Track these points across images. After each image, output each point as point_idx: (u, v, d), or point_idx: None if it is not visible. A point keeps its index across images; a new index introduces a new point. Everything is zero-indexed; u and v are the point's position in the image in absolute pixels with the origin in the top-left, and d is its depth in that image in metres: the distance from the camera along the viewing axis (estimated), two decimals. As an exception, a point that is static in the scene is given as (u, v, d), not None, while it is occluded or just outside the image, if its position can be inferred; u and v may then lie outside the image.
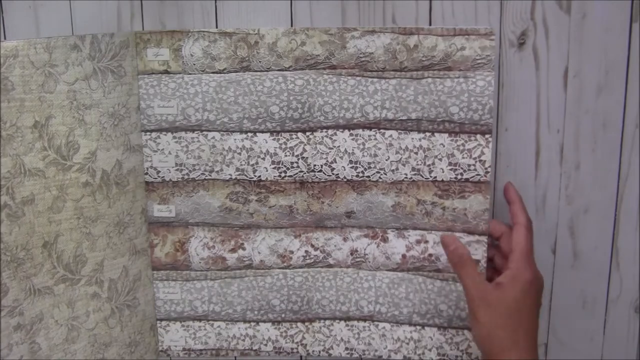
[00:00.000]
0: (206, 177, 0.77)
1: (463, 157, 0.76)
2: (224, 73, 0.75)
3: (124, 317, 0.79)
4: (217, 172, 0.77)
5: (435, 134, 0.76)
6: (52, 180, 0.72)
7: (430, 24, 0.76)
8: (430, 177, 0.77)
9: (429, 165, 0.77)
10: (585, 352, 0.82)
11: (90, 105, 0.74)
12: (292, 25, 0.77)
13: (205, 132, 0.76)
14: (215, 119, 0.75)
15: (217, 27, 0.78)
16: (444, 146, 0.76)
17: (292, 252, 0.80)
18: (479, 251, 0.77)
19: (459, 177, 0.77)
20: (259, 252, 0.79)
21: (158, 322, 0.83)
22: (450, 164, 0.77)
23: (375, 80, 0.75)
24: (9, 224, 0.70)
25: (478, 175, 0.76)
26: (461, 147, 0.76)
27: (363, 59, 0.74)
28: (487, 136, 0.75)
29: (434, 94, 0.75)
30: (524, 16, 0.77)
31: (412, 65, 0.74)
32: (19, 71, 0.69)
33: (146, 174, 0.78)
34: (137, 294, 0.79)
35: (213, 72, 0.75)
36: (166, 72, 0.75)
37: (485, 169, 0.76)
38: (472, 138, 0.76)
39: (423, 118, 0.76)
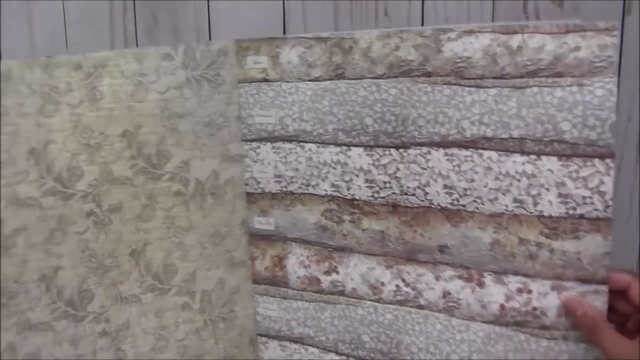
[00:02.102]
0: (303, 191, 0.83)
1: (577, 187, 0.70)
2: (320, 81, 0.80)
3: (219, 330, 0.86)
4: (314, 186, 0.82)
5: (542, 157, 0.71)
6: (141, 189, 0.80)
7: (422, 20, 0.80)
8: (536, 210, 0.72)
9: (533, 196, 0.72)
10: None
11: (184, 114, 0.81)
12: (284, 22, 0.83)
13: (302, 143, 0.82)
14: (312, 130, 0.81)
15: (209, 21, 0.85)
16: (552, 173, 0.70)
17: (383, 284, 0.82)
18: (597, 303, 0.71)
19: (571, 212, 0.70)
20: (352, 279, 0.84)
21: (258, 337, 0.90)
22: (560, 195, 0.70)
23: (472, 89, 0.73)
24: (96, 231, 0.78)
25: (596, 210, 0.69)
26: (574, 175, 0.69)
27: (460, 64, 0.73)
28: (607, 161, 0.68)
29: (541, 106, 0.70)
30: (517, 10, 0.81)
31: (515, 72, 0.71)
32: (108, 81, 0.78)
33: (247, 184, 0.85)
34: (235, 307, 0.87)
35: (309, 80, 0.80)
36: (265, 80, 0.82)
37: (606, 202, 0.69)
38: (589, 163, 0.69)
39: (527, 137, 0.71)
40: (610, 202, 0.68)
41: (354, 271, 0.82)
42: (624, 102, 0.80)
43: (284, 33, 0.93)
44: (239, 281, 0.85)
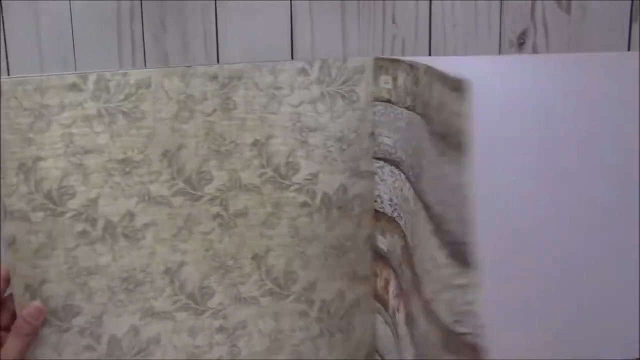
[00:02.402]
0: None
1: None
2: (409, 110, 0.77)
3: (335, 340, 0.89)
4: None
5: None
6: (267, 197, 0.85)
7: (430, 25, 0.82)
8: None
9: None
10: None
11: (315, 128, 0.85)
12: (291, 23, 0.86)
13: (401, 173, 0.80)
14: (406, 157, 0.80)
15: (216, 25, 0.88)
16: None
17: None
18: None
19: None
20: None
21: (375, 353, 0.91)
22: None
23: None
24: (220, 232, 0.84)
25: None
26: None
27: None
28: None
29: None
30: (524, 16, 0.80)
31: None
32: (242, 92, 0.83)
33: (375, 201, 0.87)
34: (353, 320, 0.89)
35: (404, 108, 0.78)
36: (389, 101, 0.82)
37: None
38: None
39: None
40: None
41: None
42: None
43: (292, 34, 0.93)
44: (360, 295, 0.89)
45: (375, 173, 0.86)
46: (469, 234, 0.49)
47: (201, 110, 0.83)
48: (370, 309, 0.89)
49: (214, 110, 0.83)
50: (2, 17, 0.95)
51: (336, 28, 0.93)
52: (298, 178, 0.85)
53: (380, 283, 0.87)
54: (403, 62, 0.78)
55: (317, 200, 0.86)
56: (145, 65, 1.02)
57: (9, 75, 1.03)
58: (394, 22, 0.85)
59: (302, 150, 0.85)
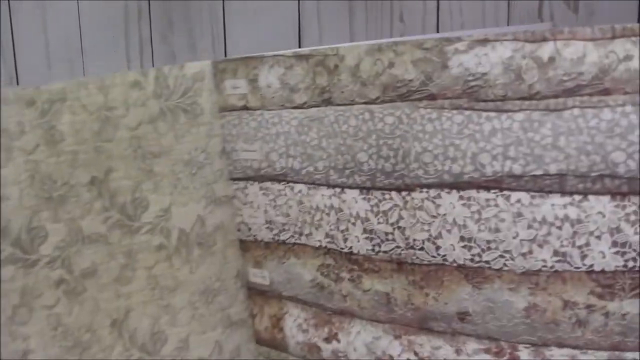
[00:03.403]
0: (296, 241, 0.73)
1: (636, 233, 0.57)
2: (304, 108, 0.70)
3: None
4: (307, 235, 0.73)
5: (590, 196, 0.57)
6: (117, 246, 0.71)
7: (438, 24, 0.76)
8: (584, 265, 0.59)
9: (580, 248, 0.58)
10: None
11: (160, 153, 0.72)
12: (299, 22, 0.82)
13: (291, 184, 0.72)
14: (300, 167, 0.71)
15: (224, 25, 0.84)
16: (604, 216, 0.57)
17: (392, 357, 0.71)
18: None
19: (631, 264, 0.57)
20: (355, 349, 0.72)
21: None
22: (615, 244, 0.57)
23: (492, 114, 0.60)
24: (68, 302, 0.69)
25: None
26: (632, 217, 0.56)
27: (473, 83, 0.60)
28: (674, 197, 0.59)
29: (585, 133, 0.56)
30: (531, 15, 0.79)
31: (548, 90, 0.57)
32: (69, 118, 0.67)
33: (239, 230, 0.77)
34: None
35: (293, 107, 0.70)
36: (245, 107, 0.73)
37: None
38: None
39: (569, 172, 0.58)
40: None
41: (357, 340, 0.71)
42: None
43: (299, 33, 0.92)
44: (239, 342, 0.77)
45: (234, 197, 0.76)
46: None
47: (20, 147, 0.65)
48: (253, 355, 0.79)
49: (37, 146, 0.66)
50: (10, 17, 0.91)
51: (344, 27, 0.91)
52: (148, 216, 0.72)
53: (263, 324, 0.77)
54: (272, 57, 0.69)
55: (174, 240, 0.73)
56: (153, 65, 0.97)
57: (17, 76, 1.02)
58: (401, 20, 0.83)
59: (149, 181, 0.71)
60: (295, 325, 0.75)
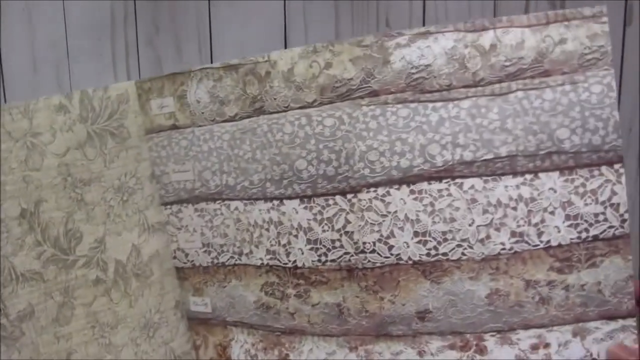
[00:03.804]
0: (236, 262, 0.70)
1: (586, 204, 0.59)
2: (236, 120, 0.67)
3: None
4: (247, 255, 0.69)
5: (540, 174, 0.59)
6: (53, 283, 0.65)
7: (424, 24, 0.76)
8: (541, 242, 0.60)
9: (536, 225, 0.60)
10: None
11: (90, 180, 0.68)
12: (284, 24, 0.81)
13: (227, 202, 0.69)
14: (235, 183, 0.69)
15: (210, 29, 0.82)
16: (555, 192, 0.59)
17: None
18: (627, 342, 0.60)
19: (584, 235, 0.59)
20: None
21: None
22: (568, 217, 0.59)
23: (438, 104, 0.60)
24: (6, 349, 0.63)
25: (611, 227, 0.59)
26: (581, 190, 0.59)
27: (416, 75, 0.60)
28: (616, 167, 0.58)
29: (530, 114, 0.58)
30: (519, 13, 0.76)
31: (492, 76, 0.59)
32: None
33: (174, 257, 0.73)
34: None
35: (224, 121, 0.68)
36: (175, 126, 0.70)
37: (621, 216, 0.59)
38: (596, 172, 0.58)
39: (518, 153, 0.59)
40: (626, 216, 0.58)
41: (310, 358, 0.68)
42: (625, 111, 0.77)
43: (285, 36, 0.92)
44: None
45: (167, 223, 0.72)
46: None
47: (-61, 181, 0.62)
48: (199, 390, 0.76)
49: None
50: None
51: (330, 29, 0.90)
52: (82, 249, 0.67)
53: (209, 354, 0.73)
54: (200, 70, 0.67)
55: (111, 273, 0.69)
56: (139, 70, 0.96)
57: (2, 80, 1.01)
58: (387, 24, 0.83)
59: (81, 211, 0.67)
60: (243, 351, 0.72)
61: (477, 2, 0.79)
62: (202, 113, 0.68)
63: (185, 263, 0.72)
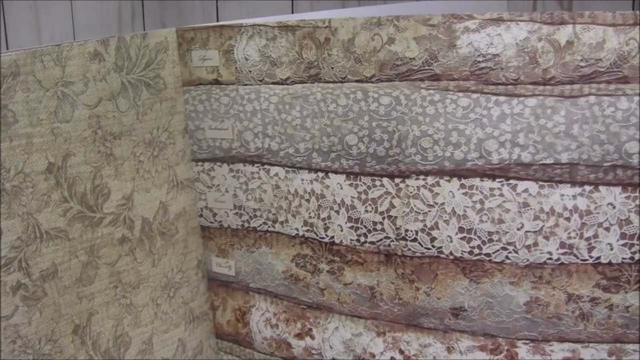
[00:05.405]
0: (269, 229, 0.69)
1: None
2: (287, 84, 0.65)
3: None
4: (282, 223, 0.68)
5: (601, 187, 0.56)
6: (78, 242, 0.63)
7: None
8: (591, 257, 0.58)
9: (588, 240, 0.57)
10: None
11: (120, 134, 0.65)
12: None
13: (267, 167, 0.67)
14: (279, 149, 0.67)
15: None
16: (614, 207, 0.56)
17: (373, 355, 0.68)
18: None
19: (637, 257, 0.57)
20: (331, 347, 0.69)
21: None
22: (624, 236, 0.56)
23: (502, 99, 0.57)
24: (27, 310, 0.60)
25: None
26: None
27: (483, 64, 0.57)
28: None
29: (600, 122, 0.55)
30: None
31: (564, 75, 0.55)
32: (22, 95, 0.58)
33: (201, 216, 0.71)
34: None
35: (274, 83, 0.65)
36: (217, 81, 0.67)
37: None
38: None
39: (580, 162, 0.56)
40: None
41: (334, 337, 0.68)
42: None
43: None
44: (201, 338, 0.72)
45: (197, 180, 0.70)
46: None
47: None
48: (214, 351, 0.74)
49: None
50: (4, 19, 0.87)
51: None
52: (110, 206, 0.64)
53: (226, 316, 0.73)
54: (252, 26, 0.64)
55: (137, 231, 0.67)
56: None
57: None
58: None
59: (109, 166, 0.64)
60: (263, 319, 0.71)
61: (486, 3, 0.77)
62: (250, 72, 0.65)
63: (212, 223, 0.70)
